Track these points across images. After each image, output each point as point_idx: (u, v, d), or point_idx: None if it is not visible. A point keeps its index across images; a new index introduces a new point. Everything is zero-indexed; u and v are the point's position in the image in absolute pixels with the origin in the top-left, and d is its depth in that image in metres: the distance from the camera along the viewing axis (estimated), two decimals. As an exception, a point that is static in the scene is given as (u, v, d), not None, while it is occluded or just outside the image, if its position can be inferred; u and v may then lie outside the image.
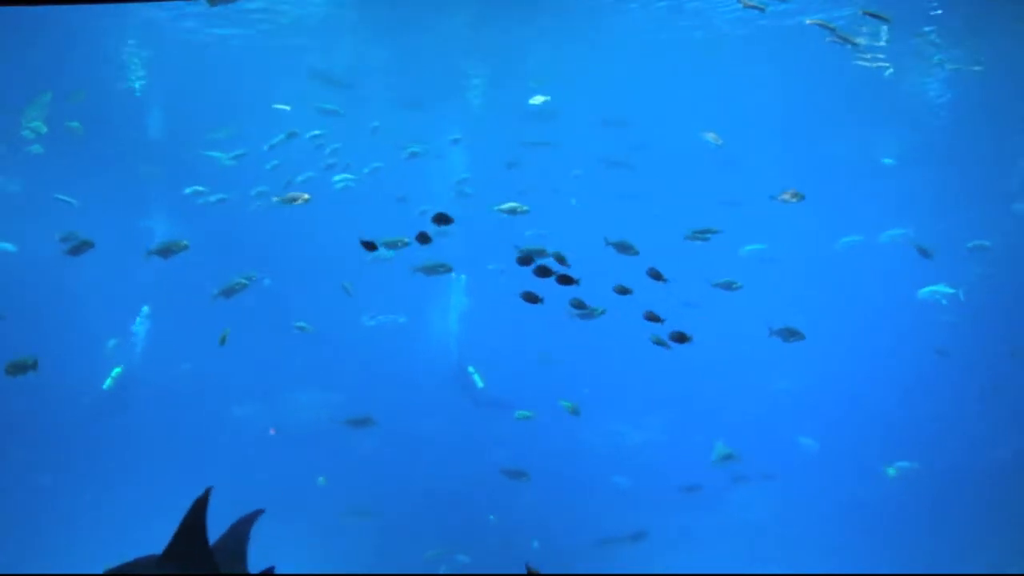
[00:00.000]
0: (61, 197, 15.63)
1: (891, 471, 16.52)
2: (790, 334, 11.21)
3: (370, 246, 8.87)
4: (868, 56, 11.61)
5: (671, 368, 19.30)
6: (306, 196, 12.29)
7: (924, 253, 15.79)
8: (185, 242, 11.17)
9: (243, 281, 11.58)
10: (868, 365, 21.60)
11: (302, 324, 15.83)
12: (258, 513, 5.50)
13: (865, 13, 12.06)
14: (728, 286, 11.47)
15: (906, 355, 20.13)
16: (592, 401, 15.01)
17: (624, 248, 10.74)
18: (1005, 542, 16.33)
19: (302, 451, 17.56)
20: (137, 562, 4.57)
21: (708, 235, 11.11)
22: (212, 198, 16.22)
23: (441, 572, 15.92)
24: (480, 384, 18.93)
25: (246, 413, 19.22)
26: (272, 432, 19.01)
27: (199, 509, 4.61)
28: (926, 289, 17.90)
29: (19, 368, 10.51)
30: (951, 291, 17.69)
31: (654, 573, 15.73)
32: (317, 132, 16.10)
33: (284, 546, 15.33)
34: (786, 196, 11.56)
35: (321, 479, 16.52)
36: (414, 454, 17.95)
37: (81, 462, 17.07)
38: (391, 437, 17.96)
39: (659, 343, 9.57)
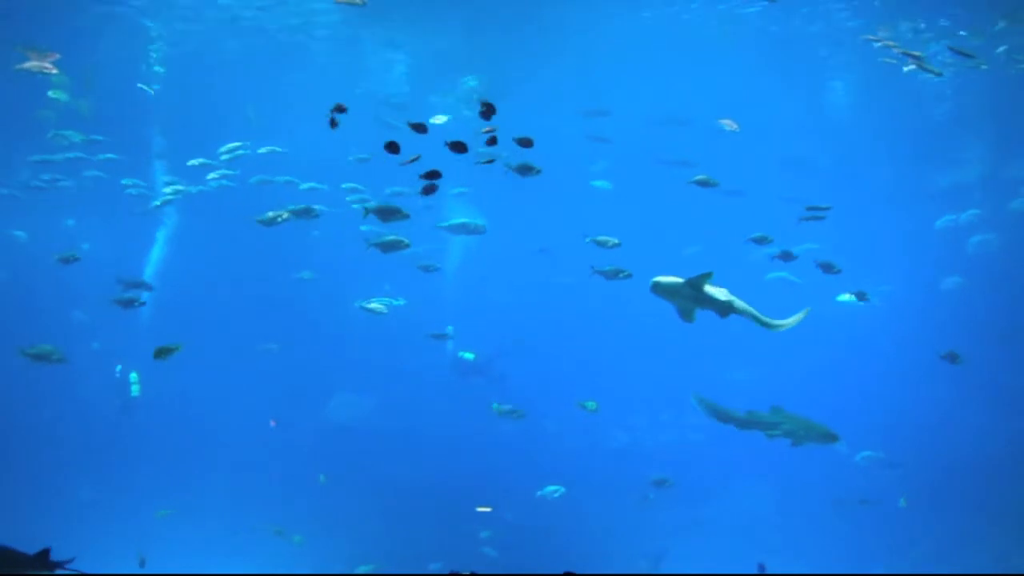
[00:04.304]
0: None
1: (902, 502, 16.32)
2: (954, 357, 11.32)
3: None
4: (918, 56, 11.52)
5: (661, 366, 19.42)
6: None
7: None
8: (407, 241, 10.74)
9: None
10: (866, 362, 21.65)
11: (448, 330, 15.73)
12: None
13: (952, 50, 12.23)
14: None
15: (905, 349, 20.08)
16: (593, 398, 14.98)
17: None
18: (1004, 536, 16.38)
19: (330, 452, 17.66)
20: None
21: (822, 211, 11.03)
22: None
23: (436, 571, 15.98)
24: (470, 356, 19.08)
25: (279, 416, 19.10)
26: (272, 424, 19.03)
27: None
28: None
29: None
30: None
31: (656, 573, 15.85)
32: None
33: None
34: None
35: (321, 477, 16.58)
36: (426, 453, 18.01)
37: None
38: (398, 437, 18.07)
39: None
